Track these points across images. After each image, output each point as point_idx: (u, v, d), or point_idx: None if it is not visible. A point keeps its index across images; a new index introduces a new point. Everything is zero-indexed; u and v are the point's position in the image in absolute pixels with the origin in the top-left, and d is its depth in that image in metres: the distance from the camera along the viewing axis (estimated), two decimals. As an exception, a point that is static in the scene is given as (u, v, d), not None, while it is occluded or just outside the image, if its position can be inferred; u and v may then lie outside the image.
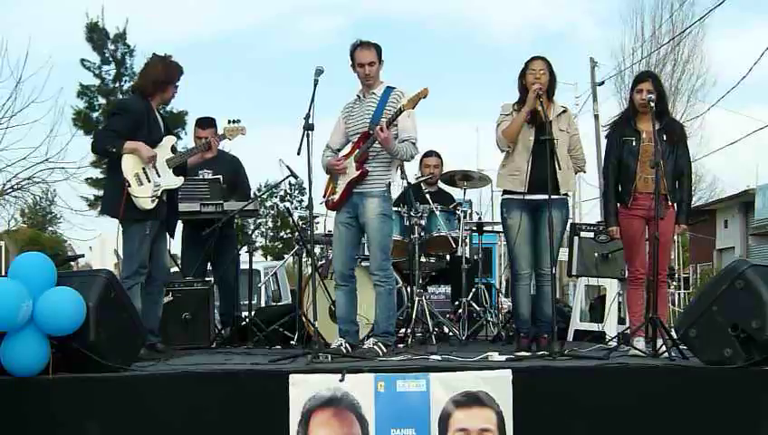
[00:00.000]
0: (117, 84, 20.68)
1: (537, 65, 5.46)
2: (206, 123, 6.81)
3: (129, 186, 5.22)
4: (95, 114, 20.20)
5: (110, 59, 20.76)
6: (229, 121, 5.92)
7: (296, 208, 29.20)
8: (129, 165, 5.24)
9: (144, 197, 5.25)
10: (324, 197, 5.47)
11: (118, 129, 5.30)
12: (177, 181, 5.49)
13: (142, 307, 5.25)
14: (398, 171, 5.55)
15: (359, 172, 5.29)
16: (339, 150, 5.51)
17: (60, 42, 42.52)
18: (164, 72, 5.44)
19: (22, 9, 40.15)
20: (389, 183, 5.38)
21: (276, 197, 30.75)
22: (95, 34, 20.53)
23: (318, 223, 6.43)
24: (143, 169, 5.28)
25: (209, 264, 6.91)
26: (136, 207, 5.25)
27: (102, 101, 20.54)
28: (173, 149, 5.52)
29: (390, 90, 5.35)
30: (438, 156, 7.32)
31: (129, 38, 20.82)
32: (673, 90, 21.88)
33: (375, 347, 5.11)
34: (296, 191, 30.22)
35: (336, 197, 5.38)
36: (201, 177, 6.68)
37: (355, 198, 5.33)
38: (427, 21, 61.67)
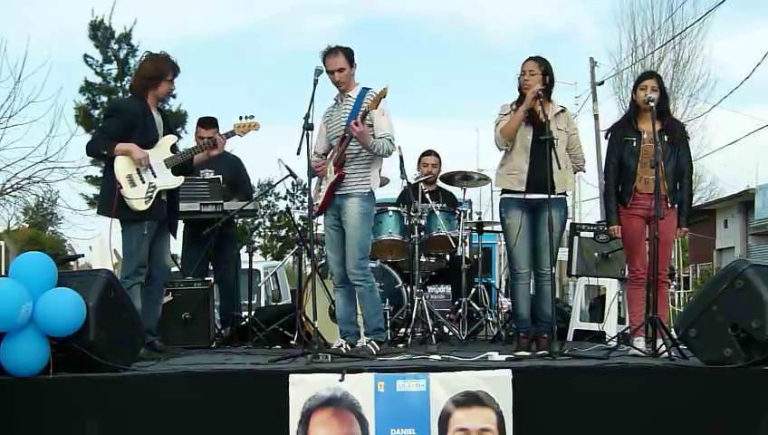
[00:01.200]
0: (119, 83, 20.64)
1: (527, 66, 5.47)
2: (208, 123, 6.80)
3: (122, 188, 5.23)
4: (96, 111, 20.15)
5: (113, 58, 20.74)
6: (240, 118, 5.80)
7: (298, 208, 29.09)
8: (122, 167, 5.26)
9: (136, 198, 5.25)
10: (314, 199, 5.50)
11: (110, 131, 5.35)
12: (175, 181, 5.47)
13: (142, 306, 5.25)
14: (380, 170, 5.56)
15: (336, 175, 5.34)
16: (325, 155, 5.55)
17: (62, 40, 42.60)
18: (153, 68, 5.43)
19: (22, 7, 40.15)
20: (371, 185, 5.40)
21: (271, 195, 30.68)
22: (99, 32, 20.49)
23: (319, 223, 6.42)
24: (137, 169, 5.28)
25: (210, 263, 6.92)
26: (133, 209, 5.26)
27: (104, 99, 20.52)
28: (173, 148, 5.51)
29: (365, 90, 5.40)
30: (437, 155, 7.31)
31: (133, 38, 20.81)
32: (673, 90, 21.86)
33: (368, 346, 5.13)
34: (299, 191, 30.15)
35: (320, 201, 5.44)
36: (201, 176, 6.68)
37: (337, 200, 5.39)
38: (428, 21, 61.71)
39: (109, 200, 5.27)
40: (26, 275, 4.21)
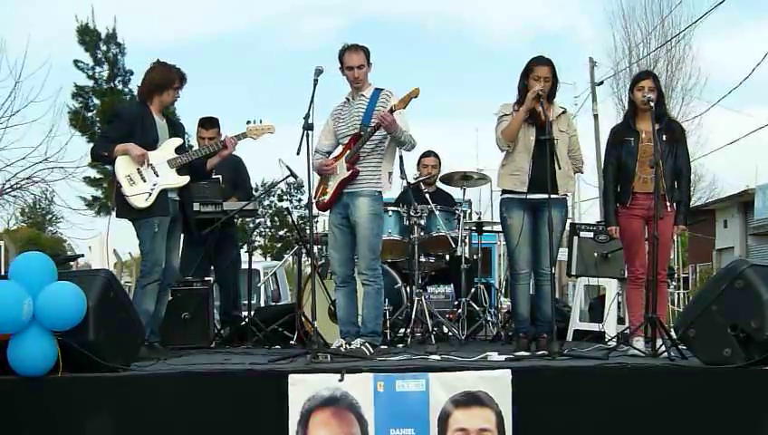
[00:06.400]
0: (110, 85, 20.64)
1: (543, 72, 5.41)
2: (208, 123, 6.81)
3: (121, 186, 5.33)
4: (90, 114, 20.15)
5: (103, 60, 20.76)
6: (253, 121, 5.80)
7: (295, 208, 29.12)
8: (121, 167, 5.37)
9: (135, 195, 5.32)
10: (315, 197, 5.50)
11: (110, 135, 5.53)
12: (179, 180, 5.52)
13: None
14: (391, 173, 5.57)
15: (349, 172, 5.36)
16: (329, 153, 5.56)
17: (61, 41, 42.61)
18: (160, 77, 5.53)
19: (19, 9, 40.16)
20: (381, 184, 5.42)
21: (274, 196, 30.73)
22: (87, 37, 20.50)
23: (317, 223, 6.42)
24: (137, 169, 5.36)
25: (210, 264, 6.91)
26: (134, 207, 5.33)
27: (97, 101, 20.53)
28: (178, 150, 5.56)
29: (379, 91, 5.44)
30: (436, 156, 7.31)
31: (121, 39, 20.83)
32: (667, 89, 21.87)
33: (362, 347, 5.13)
34: (295, 190, 30.19)
35: (327, 197, 5.46)
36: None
37: (346, 198, 5.40)
38: (427, 21, 61.70)
39: (115, 200, 5.41)
40: (25, 273, 4.21)
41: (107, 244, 5.72)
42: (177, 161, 5.49)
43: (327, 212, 5.69)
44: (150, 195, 5.34)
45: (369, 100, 5.41)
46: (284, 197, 31.02)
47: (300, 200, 29.36)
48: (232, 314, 6.89)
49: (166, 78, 5.52)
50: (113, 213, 5.53)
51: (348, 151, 5.41)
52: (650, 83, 5.43)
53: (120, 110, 6.11)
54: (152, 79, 5.55)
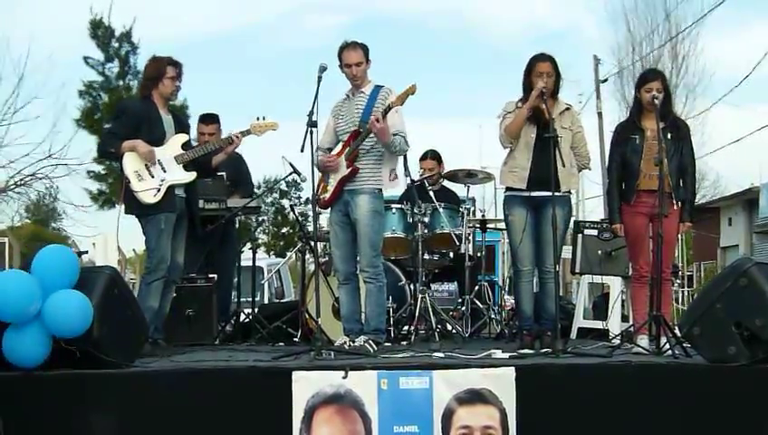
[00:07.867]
0: (121, 82, 20.61)
1: (544, 67, 5.42)
2: (209, 119, 6.81)
3: (129, 182, 5.35)
4: (97, 115, 20.10)
5: (114, 56, 20.71)
6: (258, 118, 5.84)
7: (295, 205, 29.09)
8: (130, 163, 5.39)
9: (144, 191, 5.35)
10: (316, 195, 5.50)
11: (116, 131, 5.56)
12: (186, 176, 5.54)
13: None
14: (394, 170, 5.57)
15: (349, 170, 5.37)
16: (329, 150, 5.56)
17: (63, 39, 42.69)
18: (152, 69, 5.59)
19: (25, 6, 40.23)
20: (382, 183, 5.42)
21: (277, 193, 30.70)
22: (99, 31, 20.45)
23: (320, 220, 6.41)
24: (145, 165, 5.39)
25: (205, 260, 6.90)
26: (143, 202, 5.36)
27: (106, 98, 20.48)
28: (185, 146, 5.58)
29: (379, 88, 5.44)
30: (434, 157, 7.22)
31: (134, 37, 20.79)
32: (672, 87, 21.81)
33: (366, 345, 5.14)
34: (293, 188, 30.11)
35: (327, 195, 5.47)
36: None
37: (346, 195, 5.41)
38: (430, 19, 61.70)
39: (124, 196, 5.43)
40: (46, 268, 4.20)
41: (117, 240, 5.71)
42: (183, 157, 5.52)
43: (326, 209, 5.68)
44: (159, 191, 5.38)
45: (369, 97, 5.42)
46: (286, 196, 30.98)
47: (299, 198, 29.30)
48: (229, 312, 6.87)
49: (157, 69, 5.56)
50: (121, 209, 5.52)
51: (347, 148, 5.42)
52: (659, 84, 5.40)
53: (127, 105, 6.11)
54: (147, 74, 5.65)
